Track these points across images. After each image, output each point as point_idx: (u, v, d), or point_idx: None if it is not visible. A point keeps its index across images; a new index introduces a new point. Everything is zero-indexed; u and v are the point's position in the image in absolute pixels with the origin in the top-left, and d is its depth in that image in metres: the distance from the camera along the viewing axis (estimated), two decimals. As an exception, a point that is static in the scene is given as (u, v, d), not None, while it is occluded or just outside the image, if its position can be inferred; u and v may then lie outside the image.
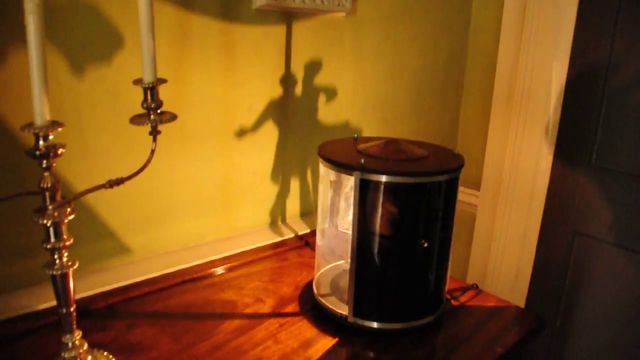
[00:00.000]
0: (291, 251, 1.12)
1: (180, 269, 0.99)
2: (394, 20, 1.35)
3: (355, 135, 0.93)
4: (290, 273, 1.02)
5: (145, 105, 0.64)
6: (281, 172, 1.20)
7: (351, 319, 0.82)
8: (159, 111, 0.65)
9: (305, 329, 0.83)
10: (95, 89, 0.86)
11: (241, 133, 1.10)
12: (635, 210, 1.36)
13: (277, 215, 1.23)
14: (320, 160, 0.82)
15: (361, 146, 0.85)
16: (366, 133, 1.38)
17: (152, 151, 0.66)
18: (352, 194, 0.88)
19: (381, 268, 0.79)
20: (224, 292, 0.93)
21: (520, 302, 1.56)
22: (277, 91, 1.14)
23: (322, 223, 0.92)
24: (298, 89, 1.17)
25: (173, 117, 0.66)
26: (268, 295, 0.93)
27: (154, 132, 0.66)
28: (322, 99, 1.24)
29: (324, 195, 0.89)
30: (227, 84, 1.04)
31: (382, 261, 0.78)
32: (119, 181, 0.64)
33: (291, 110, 1.18)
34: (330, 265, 0.99)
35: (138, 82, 0.63)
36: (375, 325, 0.81)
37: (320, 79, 1.22)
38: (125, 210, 0.95)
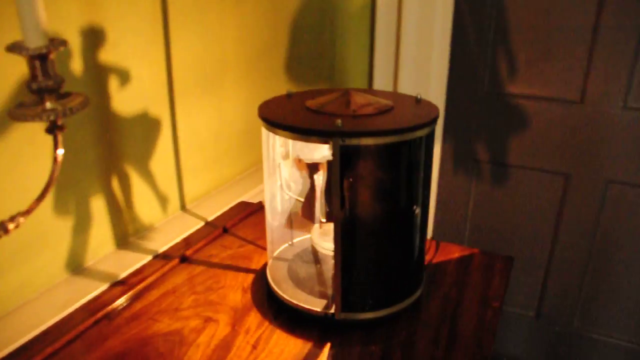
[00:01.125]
0: (211, 244, 0.92)
1: (82, 304, 0.73)
2: (267, -48, 1.14)
3: (288, 92, 0.75)
4: (225, 273, 0.83)
5: (35, 86, 0.39)
6: (174, 147, 0.97)
7: (339, 316, 0.67)
8: (58, 92, 0.40)
9: (284, 342, 0.67)
10: None
11: (121, 110, 0.83)
12: (529, 130, 1.41)
13: (179, 201, 1.01)
14: (271, 128, 0.64)
15: (311, 103, 0.67)
16: (257, 86, 1.19)
17: (56, 160, 0.42)
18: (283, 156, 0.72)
19: (373, 249, 0.65)
20: (157, 321, 0.71)
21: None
22: (158, 48, 0.88)
23: (271, 201, 0.74)
24: (181, 43, 0.93)
25: (85, 101, 0.42)
26: (216, 310, 0.73)
27: (56, 129, 0.41)
28: (207, 51, 1.01)
29: (272, 166, 0.71)
30: (96, 45, 0.77)
31: (373, 240, 0.65)
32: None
33: (177, 70, 0.94)
34: (278, 251, 0.82)
35: (17, 48, 0.38)
36: (369, 315, 0.68)
37: (202, 29, 0.98)
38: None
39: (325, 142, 0.59)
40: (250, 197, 1.12)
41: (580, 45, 1.30)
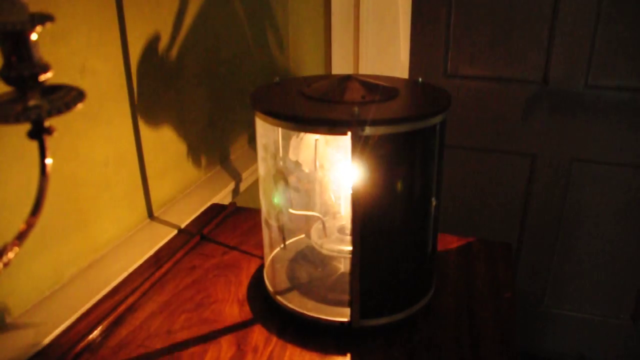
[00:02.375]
0: (191, 254, 0.82)
1: (56, 336, 0.62)
2: None
3: (277, 79, 0.67)
4: (215, 285, 0.74)
5: (13, 74, 0.29)
6: (137, 147, 0.87)
7: (357, 324, 0.61)
8: (43, 85, 0.31)
9: (300, 358, 0.60)
10: None
11: (76, 110, 0.72)
12: (493, 112, 1.40)
13: (146, 209, 0.90)
14: (276, 121, 0.56)
15: (309, 91, 0.60)
16: (217, 76, 1.10)
17: (44, 172, 0.32)
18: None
19: (393, 247, 0.59)
20: (149, 348, 0.61)
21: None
22: (114, 39, 0.78)
23: (268, 205, 0.67)
24: (139, 32, 0.83)
25: (79, 96, 0.33)
26: (214, 328, 0.65)
27: (41, 132, 0.32)
28: (164, 41, 0.91)
29: (267, 164, 0.63)
30: (45, 36, 0.65)
31: (394, 237, 0.59)
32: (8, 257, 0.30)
33: (138, 64, 0.83)
34: (271, 256, 0.75)
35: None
36: (386, 320, 0.62)
37: (163, 15, 0.88)
38: None
39: (343, 134, 0.52)
40: (221, 198, 1.03)
41: (541, 25, 1.30)
